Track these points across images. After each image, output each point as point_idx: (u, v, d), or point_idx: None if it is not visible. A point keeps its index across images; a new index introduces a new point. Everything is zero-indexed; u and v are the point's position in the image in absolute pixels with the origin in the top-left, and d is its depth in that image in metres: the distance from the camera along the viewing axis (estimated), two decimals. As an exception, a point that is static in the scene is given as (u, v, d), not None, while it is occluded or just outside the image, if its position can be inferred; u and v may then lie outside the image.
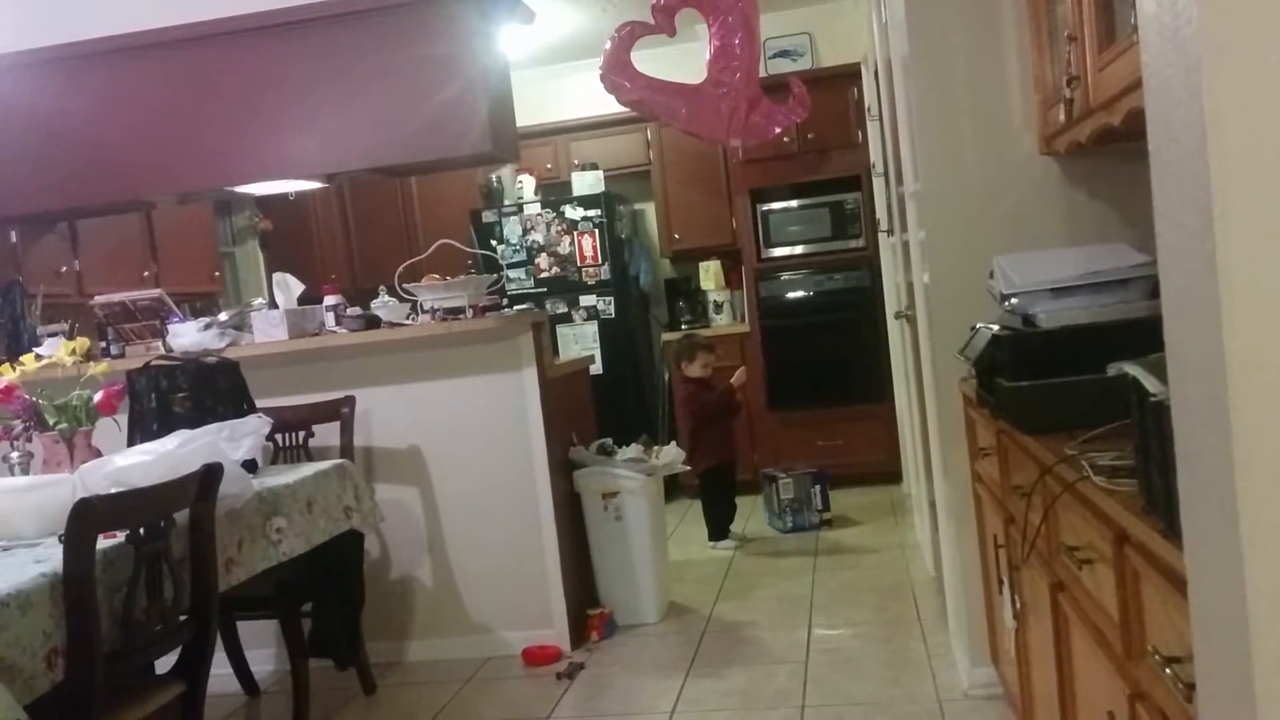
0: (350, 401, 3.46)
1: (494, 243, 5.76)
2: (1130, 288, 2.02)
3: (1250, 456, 0.82)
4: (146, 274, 4.67)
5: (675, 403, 5.56)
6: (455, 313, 3.55)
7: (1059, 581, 1.75)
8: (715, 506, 4.81)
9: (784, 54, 5.79)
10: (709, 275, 6.02)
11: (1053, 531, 1.74)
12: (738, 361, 5.63)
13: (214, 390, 3.07)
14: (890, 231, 4.30)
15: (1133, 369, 1.24)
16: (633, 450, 3.90)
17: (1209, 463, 0.89)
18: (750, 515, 5.13)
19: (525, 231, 5.79)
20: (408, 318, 3.68)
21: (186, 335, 3.53)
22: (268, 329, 3.56)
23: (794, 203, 5.67)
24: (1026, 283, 2.12)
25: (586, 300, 5.73)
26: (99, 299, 3.74)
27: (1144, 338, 1.20)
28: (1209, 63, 0.81)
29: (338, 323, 3.65)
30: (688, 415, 4.93)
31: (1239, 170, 0.81)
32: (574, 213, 5.73)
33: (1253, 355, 0.82)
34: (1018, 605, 2.12)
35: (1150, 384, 1.17)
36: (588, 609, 3.70)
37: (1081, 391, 1.77)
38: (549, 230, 5.76)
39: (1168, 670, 1.14)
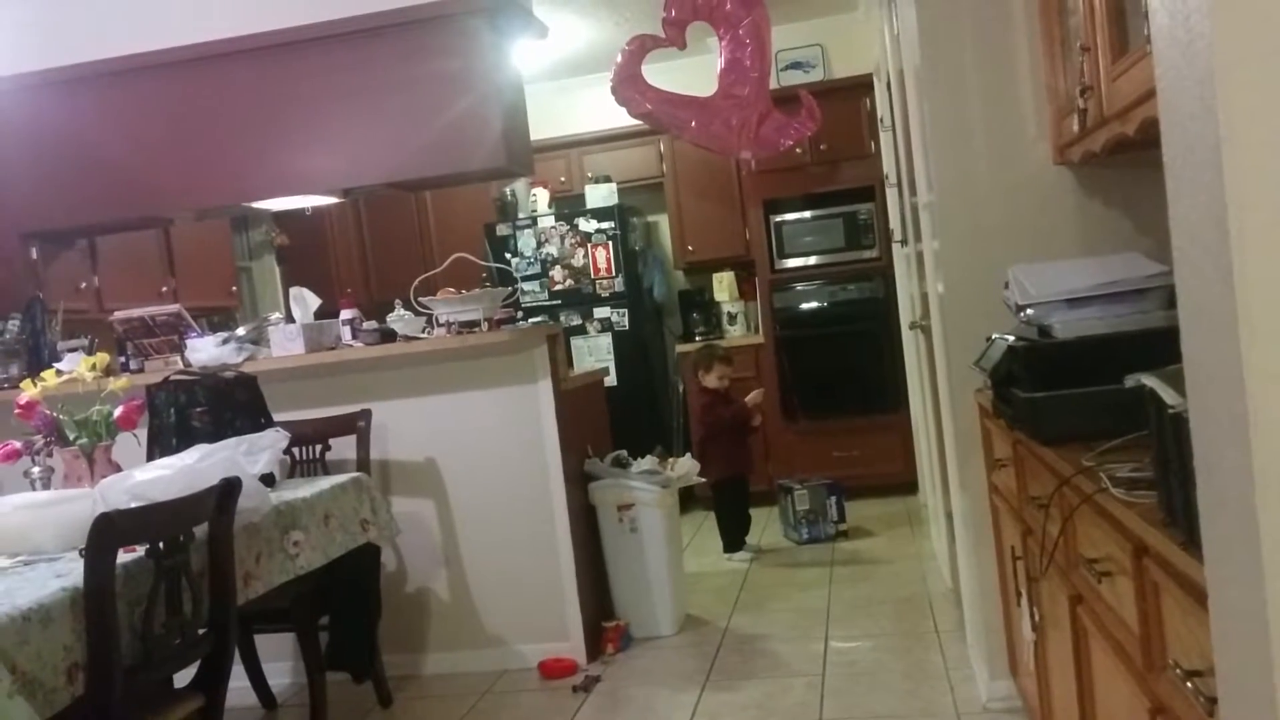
0: (366, 415, 3.48)
1: (508, 256, 5.78)
2: (1147, 298, 2.01)
3: (1270, 468, 0.82)
4: (165, 289, 4.71)
5: (691, 412, 5.55)
6: (470, 326, 3.56)
7: (1078, 594, 1.74)
8: (729, 518, 4.80)
9: (796, 65, 5.81)
10: (722, 286, 6.03)
11: (1071, 543, 1.73)
12: (753, 373, 5.64)
13: (232, 404, 3.09)
14: (904, 242, 4.30)
15: (1150, 380, 1.23)
16: (648, 462, 3.90)
17: (1228, 474, 0.88)
18: (766, 526, 5.12)
19: (539, 244, 5.81)
20: (423, 331, 3.70)
21: (205, 350, 3.55)
22: (285, 343, 3.59)
23: (807, 214, 5.68)
24: (1042, 293, 2.11)
25: (601, 312, 5.75)
26: (118, 314, 3.78)
27: (1161, 348, 1.20)
28: (1222, 76, 0.81)
29: (354, 336, 3.67)
30: (700, 426, 4.93)
31: (1254, 182, 0.81)
32: (588, 225, 5.75)
33: (1271, 366, 0.81)
34: (1036, 617, 2.11)
35: (1168, 395, 1.16)
36: (603, 621, 3.70)
37: (1098, 402, 1.76)
38: (563, 243, 5.78)
39: (1189, 684, 1.13)
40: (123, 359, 3.73)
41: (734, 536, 4.77)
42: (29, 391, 2.80)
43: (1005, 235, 2.64)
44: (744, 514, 4.84)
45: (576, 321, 5.73)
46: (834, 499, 4.87)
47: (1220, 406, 0.89)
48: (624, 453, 3.96)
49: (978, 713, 2.82)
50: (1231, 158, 0.81)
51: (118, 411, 2.75)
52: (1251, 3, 0.81)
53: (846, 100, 5.45)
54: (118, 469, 2.67)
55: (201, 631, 2.31)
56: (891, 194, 4.82)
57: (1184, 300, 0.96)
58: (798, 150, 5.29)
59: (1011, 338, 2.16)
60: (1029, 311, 2.13)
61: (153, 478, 2.38)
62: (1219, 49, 0.81)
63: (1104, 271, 2.10)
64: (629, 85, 3.52)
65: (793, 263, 5.69)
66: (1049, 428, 1.85)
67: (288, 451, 3.36)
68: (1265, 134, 0.81)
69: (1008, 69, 2.63)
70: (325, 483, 3.00)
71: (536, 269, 5.81)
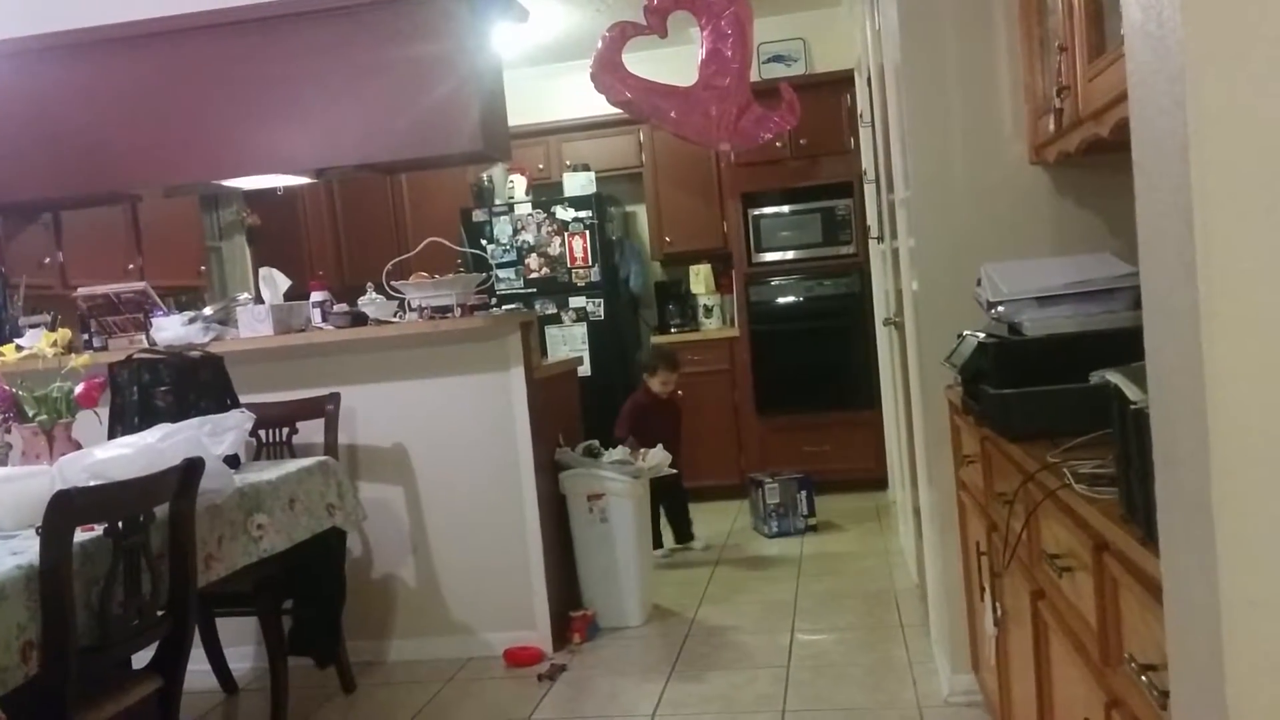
0: (335, 399, 3.45)
1: (484, 242, 5.75)
2: (1116, 298, 2.02)
3: (1227, 464, 0.82)
4: (131, 267, 4.64)
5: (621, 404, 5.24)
6: (443, 311, 3.54)
7: (1039, 589, 1.75)
8: (673, 511, 4.72)
9: (778, 59, 5.80)
10: (699, 279, 6.02)
11: (1034, 539, 1.74)
12: (726, 366, 5.65)
13: (197, 385, 3.05)
14: (880, 238, 4.31)
15: (1114, 377, 1.24)
16: (619, 453, 3.89)
17: (1186, 469, 0.89)
18: (736, 519, 5.13)
19: (515, 231, 5.78)
20: (395, 315, 3.67)
21: (170, 329, 3.51)
22: (253, 324, 3.55)
23: (785, 208, 5.68)
24: (1014, 291, 2.12)
25: (576, 302, 5.73)
26: (82, 291, 3.72)
27: (1129, 347, 1.21)
28: (1192, 72, 0.81)
29: (324, 319, 3.64)
30: (620, 419, 4.66)
31: (1220, 178, 0.81)
32: (565, 214, 5.72)
33: (1231, 363, 0.82)
34: (999, 612, 2.12)
35: (1131, 391, 1.17)
36: (570, 611, 3.69)
37: (1065, 400, 1.77)
38: (539, 231, 5.76)
39: (1143, 677, 1.14)
40: (86, 336, 3.67)
41: (682, 529, 4.74)
42: (-11, 366, 2.75)
43: (980, 233, 2.65)
44: (684, 506, 4.76)
45: (551, 310, 5.71)
46: (804, 493, 4.88)
47: (1180, 401, 0.89)
48: (595, 443, 3.95)
49: (939, 706, 2.84)
50: (1199, 153, 0.82)
51: (79, 389, 2.70)
52: (1222, 0, 0.81)
53: (827, 95, 5.45)
54: (78, 447, 2.63)
55: (160, 613, 2.28)
56: (870, 190, 4.83)
57: (1148, 295, 0.96)
58: (777, 144, 5.29)
59: (982, 335, 2.17)
60: (999, 309, 2.14)
61: (113, 456, 2.34)
62: (1190, 45, 0.81)
63: (1075, 271, 2.11)
64: (609, 72, 3.50)
65: (770, 257, 5.69)
66: (1016, 424, 1.86)
67: (254, 434, 3.33)
68: (1233, 130, 0.81)
69: (987, 68, 2.64)
70: (291, 466, 2.97)
71: (512, 256, 5.78)
